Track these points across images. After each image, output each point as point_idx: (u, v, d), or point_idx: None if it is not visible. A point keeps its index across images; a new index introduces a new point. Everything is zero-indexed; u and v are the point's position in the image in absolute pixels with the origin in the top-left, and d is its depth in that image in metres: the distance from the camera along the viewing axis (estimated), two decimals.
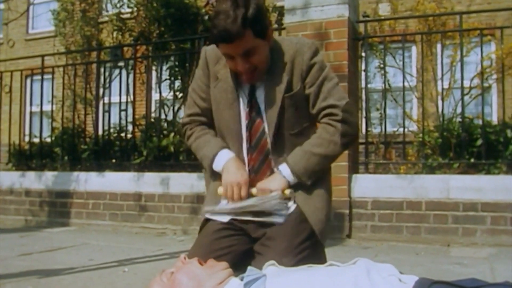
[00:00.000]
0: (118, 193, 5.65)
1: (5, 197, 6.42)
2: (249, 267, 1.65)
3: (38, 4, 14.57)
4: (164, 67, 6.34)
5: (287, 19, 4.91)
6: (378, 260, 2.41)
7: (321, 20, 4.73)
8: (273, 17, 6.31)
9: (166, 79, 6.35)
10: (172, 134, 5.75)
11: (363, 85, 5.28)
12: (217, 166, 2.02)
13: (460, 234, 4.33)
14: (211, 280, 1.60)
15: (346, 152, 4.44)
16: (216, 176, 2.06)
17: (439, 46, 6.40)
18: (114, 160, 6.12)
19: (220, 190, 2.01)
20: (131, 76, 6.35)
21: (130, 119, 6.25)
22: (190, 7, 6.64)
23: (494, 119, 7.25)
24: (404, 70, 5.28)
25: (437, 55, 6.58)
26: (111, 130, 6.38)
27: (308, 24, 4.77)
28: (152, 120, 6.38)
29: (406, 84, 5.26)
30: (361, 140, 5.08)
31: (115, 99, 6.35)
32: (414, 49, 9.79)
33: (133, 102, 6.27)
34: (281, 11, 5.92)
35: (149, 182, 5.50)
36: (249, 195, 1.96)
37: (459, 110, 5.54)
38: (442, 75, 5.53)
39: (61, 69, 7.21)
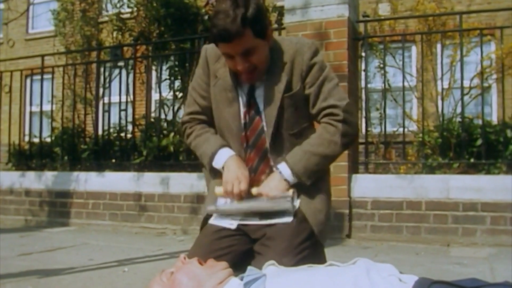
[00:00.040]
0: (118, 193, 5.65)
1: (5, 197, 6.42)
2: (249, 267, 1.65)
3: (38, 4, 14.57)
4: (164, 67, 6.34)
5: (287, 19, 4.91)
6: (378, 260, 2.41)
7: (321, 20, 4.73)
8: (273, 17, 6.31)
9: (166, 79, 6.35)
10: (172, 134, 5.75)
11: (363, 85, 5.28)
12: (217, 163, 2.02)
13: (460, 234, 4.33)
14: (211, 280, 1.60)
15: (346, 152, 4.44)
16: (215, 173, 2.06)
17: (439, 46, 6.39)
18: (114, 160, 6.12)
19: (218, 190, 2.00)
20: (131, 76, 6.35)
21: (130, 119, 6.25)
22: (190, 7, 6.65)
23: (494, 119, 7.25)
24: (404, 70, 5.28)
25: (437, 55, 6.58)
26: (111, 130, 6.38)
27: (308, 24, 4.77)
28: (152, 120, 6.38)
29: (406, 84, 5.26)
30: (361, 140, 5.08)
31: (115, 99, 6.35)
32: (414, 49, 9.79)
33: (133, 102, 6.27)
34: (281, 11, 5.92)
35: (149, 182, 5.50)
36: (249, 195, 1.96)
37: (459, 110, 5.55)
38: (442, 75, 5.53)
39: (61, 69, 7.21)
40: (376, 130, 6.01)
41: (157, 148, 5.73)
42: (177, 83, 6.34)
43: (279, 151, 1.98)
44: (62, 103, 6.71)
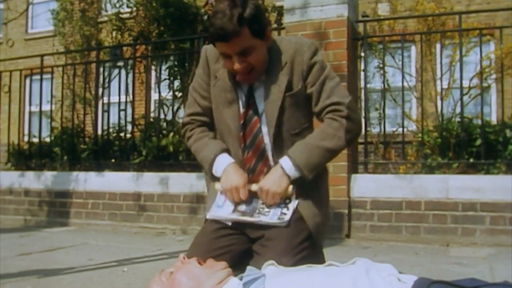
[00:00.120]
0: (117, 193, 5.65)
1: (5, 197, 6.41)
2: (248, 267, 1.65)
3: (37, 4, 14.58)
4: (163, 67, 6.33)
5: (287, 19, 4.91)
6: (377, 260, 2.42)
7: (320, 20, 4.73)
8: (273, 17, 6.31)
9: (165, 79, 6.34)
10: (171, 134, 5.75)
11: (362, 85, 5.28)
12: (216, 171, 2.03)
13: (459, 234, 4.33)
14: (210, 279, 1.60)
15: (346, 152, 4.44)
16: (216, 178, 2.07)
17: (438, 46, 6.41)
18: (113, 160, 6.12)
19: (217, 186, 2.01)
20: (130, 75, 6.34)
21: (129, 119, 6.25)
22: (189, 7, 6.65)
23: (493, 119, 7.25)
24: (403, 70, 5.29)
25: (436, 55, 6.58)
26: (111, 130, 6.38)
27: (307, 24, 4.77)
28: (152, 120, 6.37)
29: (405, 84, 5.26)
30: (360, 140, 5.08)
31: (114, 98, 6.34)
32: (413, 49, 9.80)
33: (132, 102, 6.26)
34: (280, 11, 5.92)
35: (148, 182, 5.50)
36: (249, 192, 1.96)
37: (458, 110, 5.55)
38: (441, 75, 5.53)
39: (60, 68, 7.20)
40: (375, 130, 6.01)
41: (157, 148, 5.73)
42: (177, 83, 6.34)
43: (281, 152, 1.98)
44: (61, 103, 6.71)
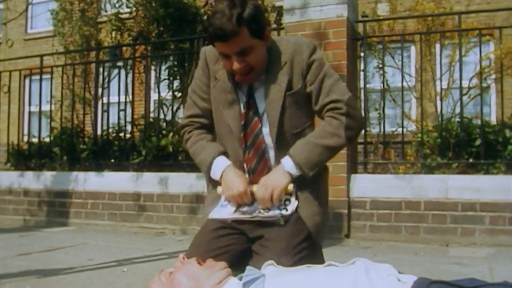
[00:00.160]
0: (117, 193, 5.65)
1: (4, 197, 6.41)
2: (248, 267, 1.65)
3: (37, 4, 14.58)
4: (163, 67, 6.33)
5: (286, 19, 4.91)
6: (376, 260, 2.42)
7: (320, 20, 4.73)
8: (272, 17, 6.31)
9: (165, 79, 6.34)
10: (171, 134, 5.75)
11: (362, 85, 5.28)
12: (214, 174, 2.02)
13: (459, 234, 4.33)
14: (210, 280, 1.60)
15: (345, 152, 4.45)
16: (214, 181, 2.06)
17: (438, 46, 6.41)
18: (113, 160, 6.12)
19: (220, 189, 2.01)
20: (130, 76, 6.34)
21: (129, 119, 6.25)
22: (189, 7, 6.65)
23: (493, 119, 7.24)
24: (403, 70, 5.29)
25: (436, 55, 6.59)
26: (110, 130, 6.38)
27: (307, 24, 4.77)
28: (151, 120, 6.37)
29: (405, 84, 5.26)
30: (360, 140, 5.08)
31: (114, 99, 6.34)
32: (413, 49, 9.80)
33: (132, 102, 6.26)
34: (280, 11, 5.92)
35: (148, 182, 5.50)
36: (251, 194, 1.96)
37: (457, 110, 5.55)
38: (441, 75, 5.54)
39: (60, 69, 7.20)
40: (375, 130, 6.02)
41: (156, 148, 5.73)
42: (176, 83, 6.34)
43: (283, 151, 1.97)
44: (61, 103, 6.71)
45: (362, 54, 5.26)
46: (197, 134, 2.13)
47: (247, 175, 2.01)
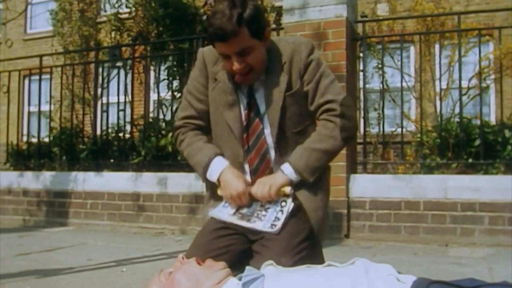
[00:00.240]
0: (116, 193, 5.65)
1: (3, 197, 6.41)
2: (247, 267, 1.65)
3: (36, 4, 14.58)
4: (162, 67, 6.33)
5: (286, 19, 4.92)
6: (376, 260, 2.42)
7: (319, 20, 4.73)
8: (271, 17, 6.30)
9: (164, 79, 6.34)
10: (170, 134, 5.74)
11: (361, 85, 5.28)
12: (211, 175, 2.01)
13: (458, 234, 4.33)
14: (209, 280, 1.60)
15: (344, 152, 4.45)
16: (210, 182, 2.05)
17: (437, 46, 6.42)
18: (112, 160, 6.11)
19: (220, 191, 2.01)
20: (129, 76, 6.34)
21: (128, 119, 6.25)
22: (188, 7, 6.64)
23: (492, 119, 7.25)
24: (402, 70, 5.28)
25: (435, 55, 6.59)
26: (109, 130, 6.37)
27: (306, 24, 4.77)
28: (150, 120, 6.37)
29: (404, 84, 5.26)
30: (359, 140, 5.08)
31: (113, 99, 6.34)
32: (412, 49, 9.80)
33: (131, 102, 6.26)
34: (279, 11, 5.92)
35: (147, 182, 5.50)
36: (249, 196, 1.96)
37: (457, 110, 5.54)
38: (440, 75, 5.54)
39: (59, 69, 7.19)
40: (374, 130, 6.02)
41: (156, 148, 5.73)
42: (176, 83, 6.33)
43: (284, 151, 1.98)
44: (60, 103, 6.70)
45: (361, 54, 5.25)
46: (192, 135, 2.11)
47: (248, 176, 2.01)
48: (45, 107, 6.79)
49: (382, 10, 8.45)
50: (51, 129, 6.85)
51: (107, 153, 6.19)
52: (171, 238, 5.02)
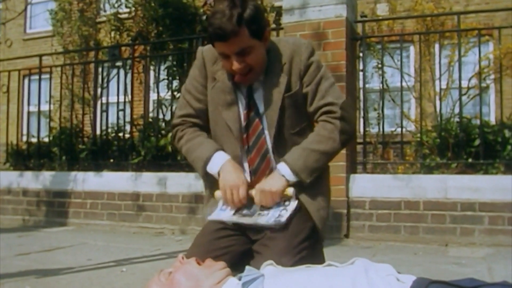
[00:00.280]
0: (116, 192, 5.65)
1: (3, 197, 6.41)
2: (247, 267, 1.65)
3: (35, 4, 14.56)
4: (162, 67, 6.33)
5: (285, 19, 4.91)
6: (376, 260, 2.42)
7: (319, 20, 4.73)
8: (271, 17, 6.30)
9: (164, 79, 6.34)
10: (170, 134, 5.74)
11: (361, 85, 5.28)
12: (211, 168, 2.00)
13: (458, 234, 4.33)
14: (209, 279, 1.60)
15: (344, 152, 4.45)
16: (208, 179, 2.05)
17: (437, 46, 6.42)
18: (112, 160, 6.11)
19: (218, 194, 2.00)
20: (129, 76, 6.35)
21: (128, 119, 6.25)
22: (188, 7, 6.64)
23: (492, 119, 7.25)
24: (402, 70, 5.28)
25: (435, 55, 6.59)
26: (109, 130, 6.37)
27: (306, 24, 4.77)
28: (150, 120, 6.37)
29: (404, 84, 5.26)
30: (359, 140, 5.08)
31: (113, 99, 6.34)
32: (412, 49, 9.79)
33: (131, 102, 6.26)
34: (279, 11, 5.92)
35: (147, 182, 5.50)
36: (249, 197, 1.96)
37: (457, 110, 5.54)
38: (440, 75, 5.54)
39: (59, 69, 7.18)
40: (374, 130, 6.01)
41: (155, 148, 5.73)
42: (175, 83, 6.33)
43: (282, 151, 1.98)
44: (60, 103, 6.70)
45: (361, 54, 5.25)
46: (192, 131, 2.10)
47: (248, 176, 2.01)
48: (44, 107, 6.79)
49: (382, 10, 8.46)
50: (50, 129, 6.85)
51: (107, 153, 6.19)
52: (170, 238, 5.02)
